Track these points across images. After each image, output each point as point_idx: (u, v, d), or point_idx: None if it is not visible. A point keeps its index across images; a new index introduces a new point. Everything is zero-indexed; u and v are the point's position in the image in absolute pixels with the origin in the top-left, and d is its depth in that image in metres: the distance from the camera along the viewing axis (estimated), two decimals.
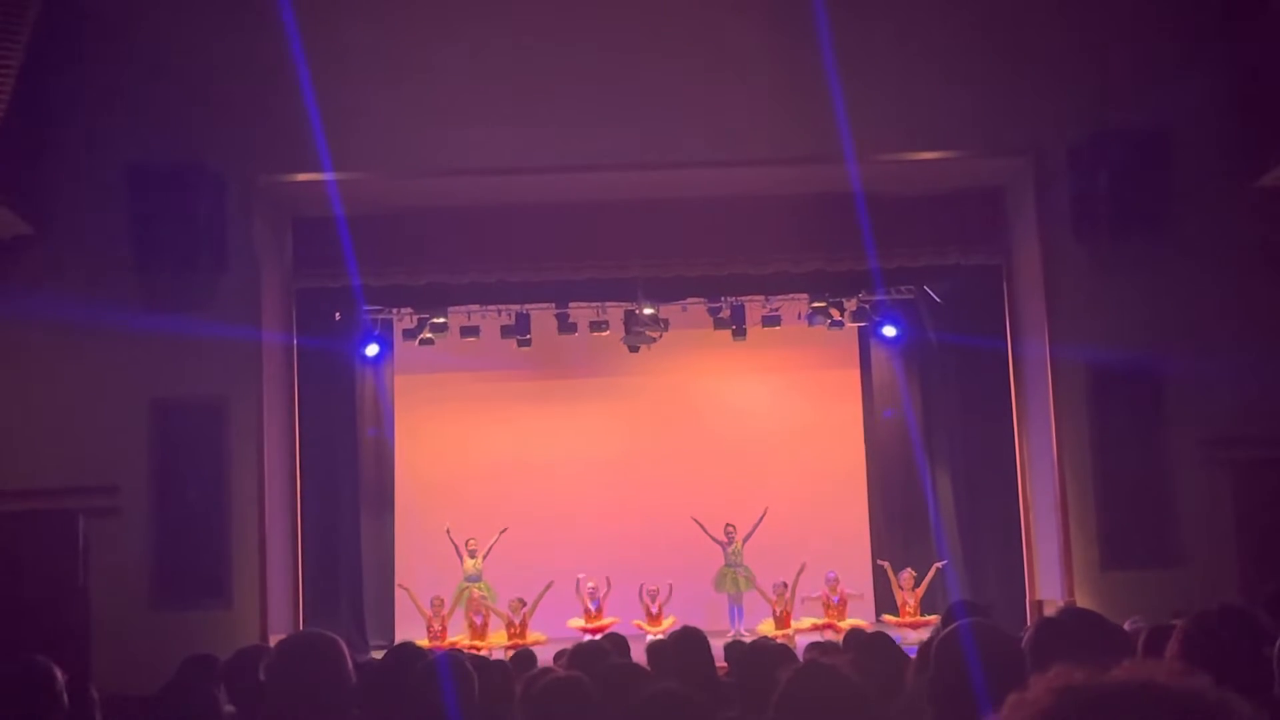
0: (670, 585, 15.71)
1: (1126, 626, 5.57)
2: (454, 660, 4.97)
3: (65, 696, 4.60)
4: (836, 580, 15.80)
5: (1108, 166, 11.78)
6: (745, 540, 16.45)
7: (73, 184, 12.05)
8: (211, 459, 12.09)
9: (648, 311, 16.05)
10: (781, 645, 7.93)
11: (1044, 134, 12.31)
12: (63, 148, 12.05)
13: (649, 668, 6.55)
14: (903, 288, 16.32)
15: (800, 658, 6.77)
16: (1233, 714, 1.30)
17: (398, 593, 16.76)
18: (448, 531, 16.24)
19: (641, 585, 15.91)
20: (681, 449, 17.86)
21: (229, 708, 5.59)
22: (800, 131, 12.16)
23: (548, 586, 15.43)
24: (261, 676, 3.51)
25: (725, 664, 8.30)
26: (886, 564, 16.20)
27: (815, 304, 16.46)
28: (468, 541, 16.43)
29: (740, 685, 5.79)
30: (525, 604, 15.34)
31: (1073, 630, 3.69)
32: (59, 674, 4.60)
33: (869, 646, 7.66)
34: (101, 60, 12.14)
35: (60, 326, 11.79)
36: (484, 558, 16.28)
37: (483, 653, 13.20)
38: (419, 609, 15.42)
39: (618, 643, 8.12)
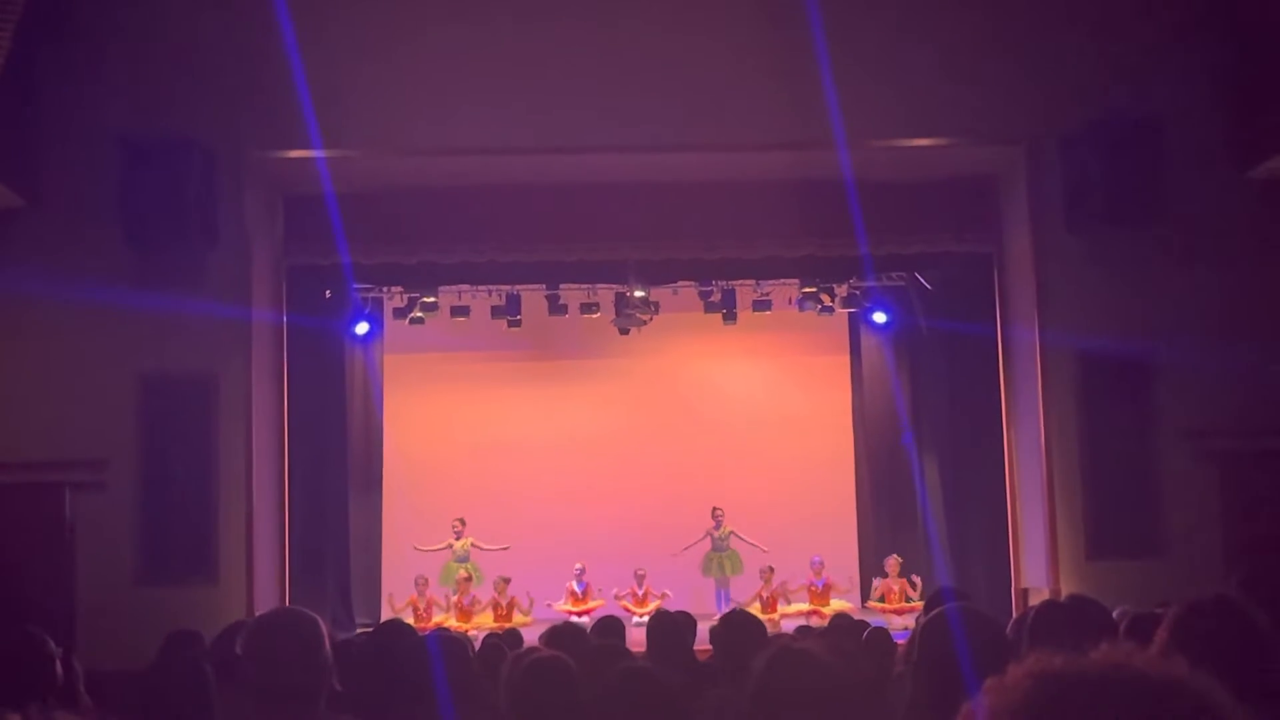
0: (668, 594, 15.68)
1: (1114, 615, 5.58)
2: (445, 638, 4.98)
3: (59, 668, 4.60)
4: (822, 565, 15.84)
5: (1100, 156, 11.77)
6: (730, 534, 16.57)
7: (63, 157, 12.01)
8: (199, 435, 12.06)
9: (639, 294, 16.06)
10: (757, 621, 7.96)
11: (1037, 123, 12.31)
12: (54, 121, 12.00)
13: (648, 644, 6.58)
14: (893, 274, 16.32)
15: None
16: (1208, 698, 1.30)
17: (384, 571, 16.78)
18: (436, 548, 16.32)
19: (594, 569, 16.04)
20: (670, 432, 17.88)
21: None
22: (793, 116, 12.13)
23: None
24: (238, 651, 3.50)
25: (710, 646, 8.33)
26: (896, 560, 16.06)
27: (806, 289, 16.47)
28: (454, 523, 16.46)
29: (723, 664, 5.82)
30: (509, 582, 15.39)
31: (1073, 615, 3.70)
32: (53, 646, 4.60)
33: (854, 631, 7.69)
34: (93, 34, 12.09)
35: (49, 300, 11.74)
36: (473, 548, 16.34)
37: (469, 634, 13.22)
38: (394, 607, 15.25)
39: (611, 626, 8.11)
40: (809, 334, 17.80)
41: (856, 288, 17.00)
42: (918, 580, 15.54)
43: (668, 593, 15.36)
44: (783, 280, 16.32)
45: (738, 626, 6.20)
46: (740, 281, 16.35)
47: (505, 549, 16.28)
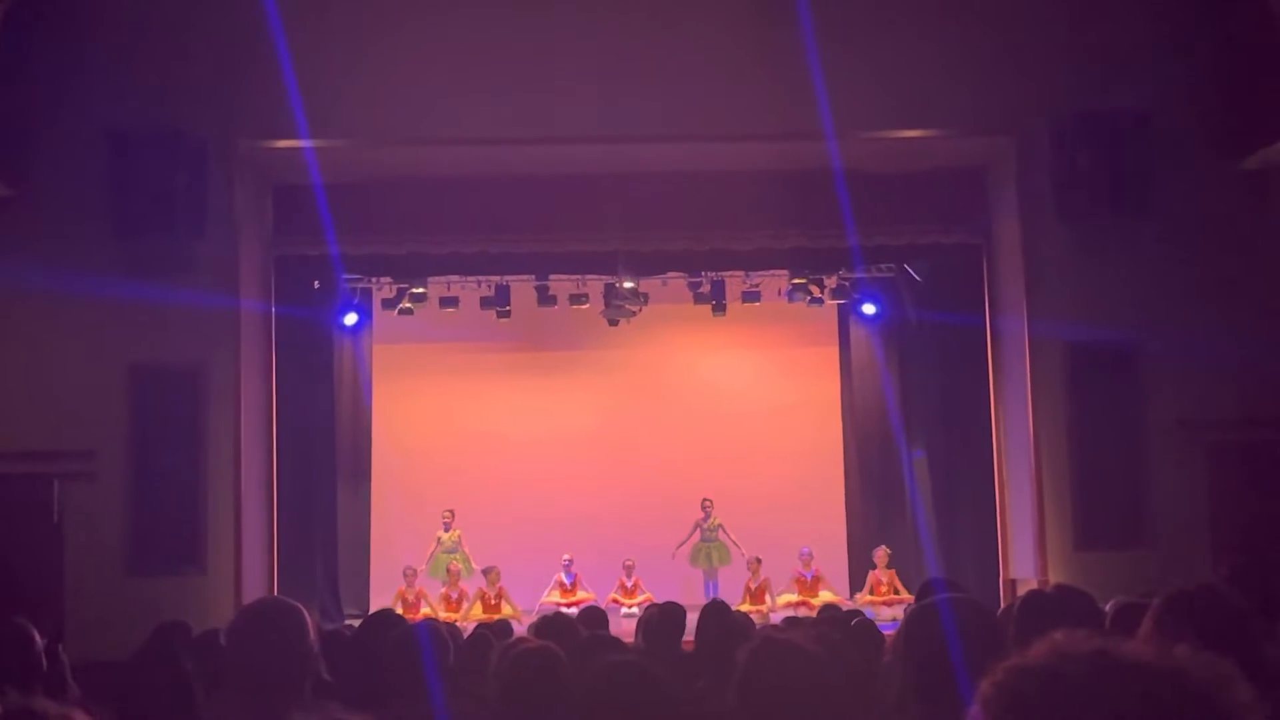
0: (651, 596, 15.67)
1: (1108, 607, 5.58)
2: (432, 628, 4.99)
3: (44, 659, 4.59)
4: (811, 556, 15.86)
5: (1089, 147, 11.79)
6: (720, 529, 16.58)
7: (52, 147, 11.97)
8: (188, 426, 12.05)
9: (628, 285, 16.04)
10: (745, 616, 7.99)
11: (1026, 113, 12.31)
12: (42, 110, 11.95)
13: (641, 639, 6.60)
14: (883, 265, 16.33)
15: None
16: (1194, 681, 1.30)
17: (372, 562, 16.77)
18: None
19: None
20: (659, 423, 17.87)
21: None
22: (783, 107, 12.13)
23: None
24: (222, 641, 3.50)
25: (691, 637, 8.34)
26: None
27: (795, 281, 16.45)
28: (443, 514, 16.45)
29: (708, 657, 5.83)
30: (500, 573, 15.37)
31: (1060, 605, 3.70)
32: (38, 636, 4.60)
33: (841, 622, 7.71)
34: (82, 23, 12.04)
35: (38, 291, 11.71)
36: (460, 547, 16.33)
37: (458, 625, 13.22)
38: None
39: (594, 616, 8.14)
40: (798, 325, 17.80)
41: (846, 279, 17.00)
42: (888, 550, 15.69)
43: (651, 595, 15.32)
44: (772, 271, 16.31)
45: (721, 618, 6.22)
46: (729, 273, 16.35)
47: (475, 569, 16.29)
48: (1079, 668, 1.31)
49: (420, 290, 16.22)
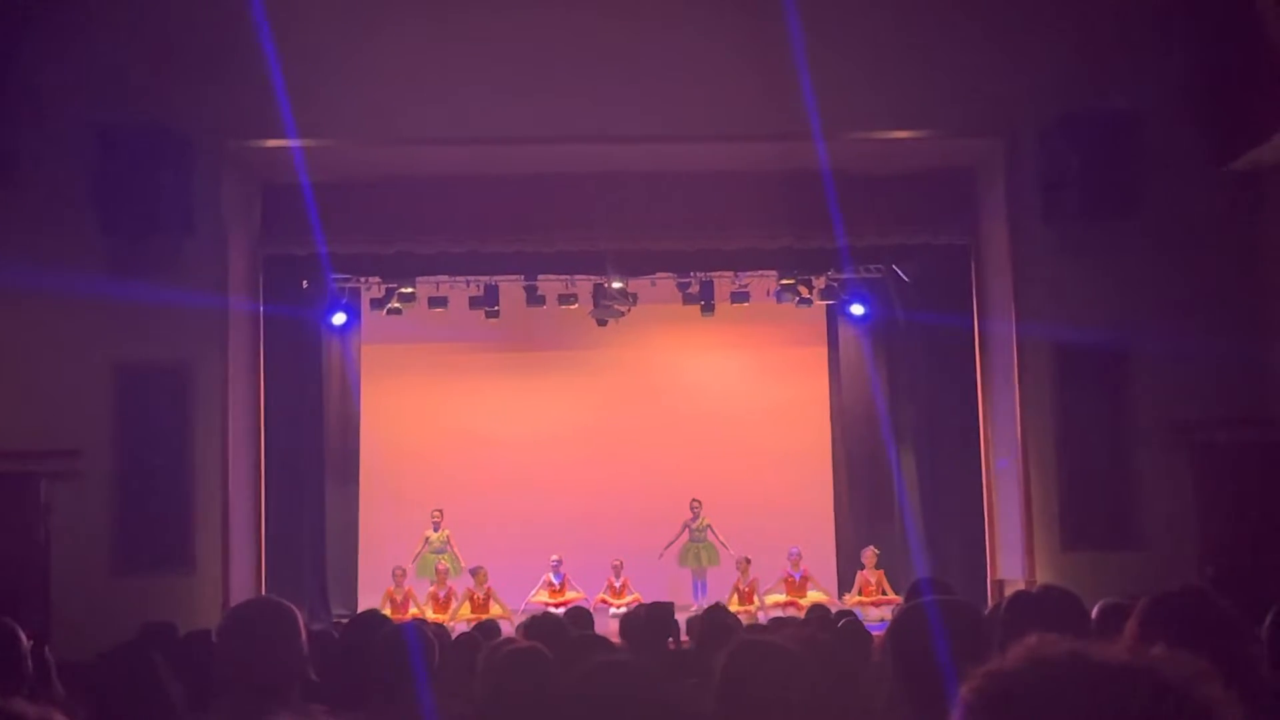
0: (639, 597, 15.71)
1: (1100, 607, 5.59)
2: (418, 628, 4.98)
3: (29, 659, 4.57)
4: (799, 556, 15.87)
5: (1078, 148, 11.80)
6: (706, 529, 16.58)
7: (38, 144, 11.92)
8: (176, 425, 12.02)
9: (616, 285, 16.03)
10: (733, 615, 8.00)
11: (1015, 115, 12.33)
12: (29, 107, 11.91)
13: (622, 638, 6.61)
14: (871, 266, 16.34)
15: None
16: (1171, 680, 1.30)
17: (361, 562, 16.74)
18: None
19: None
20: (648, 424, 17.87)
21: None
22: (772, 108, 12.13)
23: None
24: (214, 640, 3.50)
25: (687, 637, 8.35)
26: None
27: (784, 281, 16.45)
28: (433, 513, 16.43)
29: (699, 655, 5.84)
30: (487, 573, 15.36)
31: (1045, 605, 3.71)
32: (23, 636, 4.57)
33: (829, 622, 7.72)
34: (70, 19, 12.01)
35: (23, 288, 11.67)
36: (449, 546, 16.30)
37: (447, 625, 13.20)
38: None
39: (580, 616, 8.15)
40: (787, 326, 17.81)
41: (834, 280, 16.99)
42: (876, 551, 15.69)
43: (639, 596, 15.34)
44: (761, 272, 16.31)
45: (715, 619, 6.23)
46: (718, 273, 16.33)
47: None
48: (1055, 670, 1.32)
49: (409, 290, 16.20)
